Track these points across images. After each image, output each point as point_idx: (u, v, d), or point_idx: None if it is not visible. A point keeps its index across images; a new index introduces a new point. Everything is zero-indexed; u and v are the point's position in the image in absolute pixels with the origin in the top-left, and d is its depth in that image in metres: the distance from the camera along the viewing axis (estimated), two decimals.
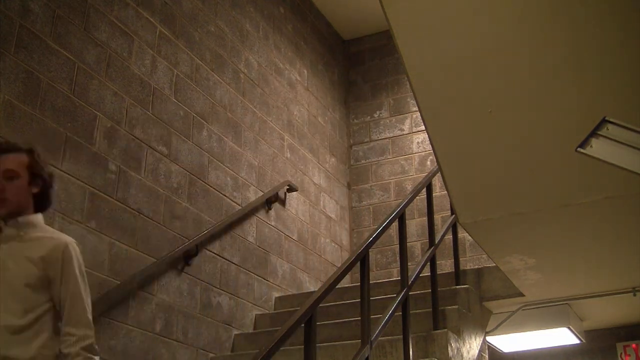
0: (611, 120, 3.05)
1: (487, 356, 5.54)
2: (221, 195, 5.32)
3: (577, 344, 6.42)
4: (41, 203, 2.61)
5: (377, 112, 7.71)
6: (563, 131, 3.27)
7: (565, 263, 4.72)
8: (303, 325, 3.14)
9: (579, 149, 3.14)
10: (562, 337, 6.15)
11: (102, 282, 4.06)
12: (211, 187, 5.23)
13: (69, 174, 3.99)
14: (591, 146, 3.10)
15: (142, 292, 4.38)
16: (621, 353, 6.77)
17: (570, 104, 3.19)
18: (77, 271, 2.46)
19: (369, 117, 7.74)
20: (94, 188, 4.14)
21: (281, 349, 3.05)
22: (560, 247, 4.43)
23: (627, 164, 3.06)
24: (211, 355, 4.83)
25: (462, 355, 4.41)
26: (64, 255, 2.45)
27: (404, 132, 7.51)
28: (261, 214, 5.80)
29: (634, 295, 5.21)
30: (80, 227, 3.99)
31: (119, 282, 4.15)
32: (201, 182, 5.12)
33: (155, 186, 4.64)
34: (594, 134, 3.09)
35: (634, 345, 6.72)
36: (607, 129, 3.06)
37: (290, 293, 5.91)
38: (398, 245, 4.48)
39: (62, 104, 4.05)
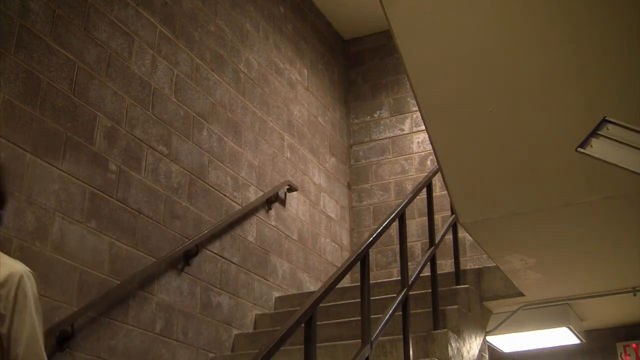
0: (611, 120, 3.05)
1: (487, 356, 5.53)
2: (221, 195, 5.32)
3: (577, 344, 6.41)
4: None
5: (377, 112, 7.71)
6: (563, 131, 3.27)
7: (565, 263, 4.71)
8: (303, 325, 3.13)
9: (579, 149, 3.13)
10: (562, 337, 6.14)
11: (102, 282, 4.07)
12: (211, 187, 5.23)
13: (69, 174, 3.99)
14: (591, 146, 3.10)
15: (142, 292, 4.39)
16: (621, 353, 6.77)
17: (570, 104, 3.19)
18: (32, 308, 2.11)
19: (369, 117, 7.74)
20: (94, 188, 4.14)
21: (281, 349, 3.05)
22: (560, 247, 4.42)
23: (627, 164, 3.06)
24: (211, 355, 4.84)
25: (462, 355, 4.41)
26: (18, 290, 2.07)
27: (404, 132, 7.51)
28: (261, 214, 5.80)
29: (634, 295, 5.20)
30: (80, 227, 4.00)
31: (119, 282, 4.15)
32: (201, 182, 5.12)
33: (155, 186, 4.64)
34: (594, 134, 3.08)
35: (634, 345, 6.71)
36: (607, 129, 3.06)
37: (290, 293, 5.91)
38: (398, 245, 4.48)
39: (62, 104, 4.05)
